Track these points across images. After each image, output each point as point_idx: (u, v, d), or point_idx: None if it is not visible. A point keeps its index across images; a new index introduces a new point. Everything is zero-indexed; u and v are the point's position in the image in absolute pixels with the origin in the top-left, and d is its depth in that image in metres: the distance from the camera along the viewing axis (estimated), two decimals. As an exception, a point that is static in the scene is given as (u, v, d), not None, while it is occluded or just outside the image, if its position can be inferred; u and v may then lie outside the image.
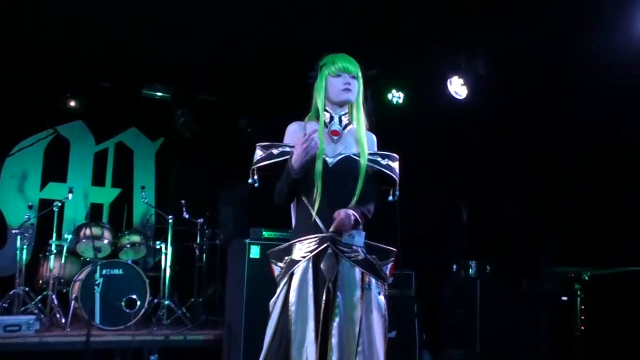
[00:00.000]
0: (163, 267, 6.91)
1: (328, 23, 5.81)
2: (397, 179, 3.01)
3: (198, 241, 7.17)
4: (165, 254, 6.92)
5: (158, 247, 7.01)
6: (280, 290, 2.82)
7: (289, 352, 2.71)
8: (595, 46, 4.76)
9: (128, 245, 6.82)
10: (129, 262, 6.59)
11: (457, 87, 5.96)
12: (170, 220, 6.98)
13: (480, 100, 5.87)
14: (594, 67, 4.81)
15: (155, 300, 6.71)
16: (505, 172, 5.89)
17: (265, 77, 7.06)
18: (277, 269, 2.91)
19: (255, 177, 2.89)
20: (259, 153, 2.91)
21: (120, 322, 6.12)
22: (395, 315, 6.17)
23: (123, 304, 6.20)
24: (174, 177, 8.61)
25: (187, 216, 7.06)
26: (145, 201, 7.42)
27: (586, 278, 4.33)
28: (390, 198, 3.04)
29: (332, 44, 6.14)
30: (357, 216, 2.82)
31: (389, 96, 6.75)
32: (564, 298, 4.93)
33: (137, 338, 5.85)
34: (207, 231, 7.13)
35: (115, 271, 6.31)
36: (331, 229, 2.80)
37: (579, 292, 4.33)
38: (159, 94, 8.02)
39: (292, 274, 2.80)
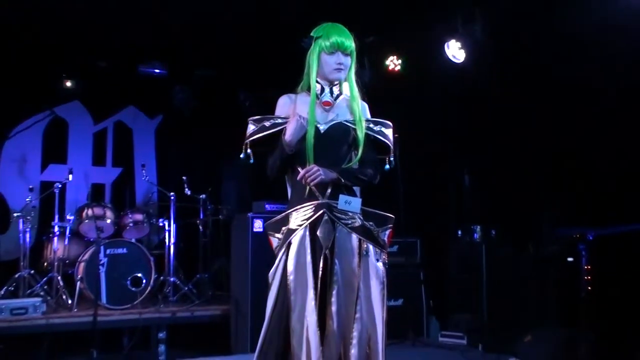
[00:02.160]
0: (167, 244, 6.91)
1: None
2: (391, 145, 3.02)
3: (201, 217, 7.16)
4: (169, 232, 6.92)
5: (161, 224, 7.00)
6: (278, 260, 2.83)
7: (290, 321, 2.73)
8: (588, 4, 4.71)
9: (131, 224, 6.81)
10: (133, 240, 6.59)
11: (455, 51, 5.88)
12: (173, 198, 6.96)
13: (478, 64, 5.79)
14: (598, 26, 4.73)
15: (161, 278, 6.74)
16: (506, 134, 5.83)
17: (262, 49, 6.97)
18: (275, 240, 2.93)
19: (249, 151, 2.90)
20: (251, 127, 2.93)
21: (127, 301, 6.14)
22: (401, 283, 6.27)
23: (129, 282, 6.21)
24: (175, 154, 8.57)
25: (189, 192, 7.04)
26: (147, 179, 7.40)
27: (590, 238, 4.31)
28: (387, 166, 3.05)
29: (329, 12, 6.08)
30: (334, 171, 2.80)
31: (387, 62, 6.68)
32: (570, 259, 4.91)
33: (145, 316, 5.89)
34: (209, 207, 7.12)
35: (120, 250, 6.32)
36: (304, 181, 2.78)
37: (583, 253, 4.30)
38: (156, 70, 7.93)
39: (289, 243, 2.81)
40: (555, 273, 5.16)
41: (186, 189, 7.03)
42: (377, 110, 7.10)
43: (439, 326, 6.23)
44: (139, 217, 6.91)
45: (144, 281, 6.28)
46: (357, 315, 2.76)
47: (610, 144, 4.89)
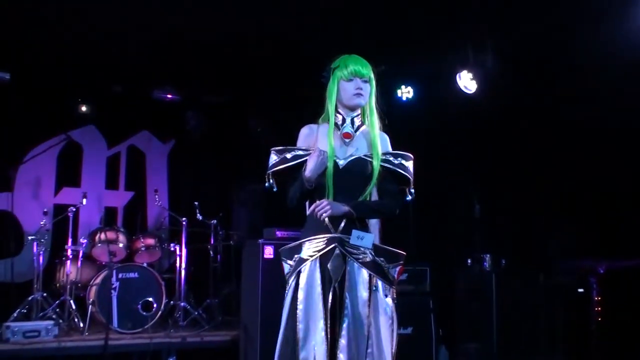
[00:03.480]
0: (178, 269, 6.95)
1: (336, 21, 5.82)
2: (411, 178, 3.06)
3: (212, 242, 7.20)
4: (180, 256, 6.96)
5: (172, 249, 7.05)
6: (288, 288, 2.89)
7: (297, 350, 2.76)
8: (602, 37, 4.74)
9: (143, 248, 6.86)
10: (145, 265, 6.64)
11: (467, 82, 5.95)
12: (184, 222, 7.02)
13: (489, 94, 5.85)
14: (603, 58, 4.78)
15: (172, 302, 6.76)
16: (516, 165, 5.87)
17: (274, 77, 7.06)
18: (286, 267, 2.98)
19: (272, 181, 2.97)
20: (273, 158, 2.99)
21: (138, 325, 6.18)
22: (410, 311, 6.26)
23: (140, 307, 6.25)
24: (187, 178, 8.64)
25: (200, 217, 7.09)
26: (159, 204, 7.47)
27: (601, 271, 4.32)
28: (408, 197, 3.09)
29: (341, 42, 6.16)
30: (348, 205, 2.84)
31: (399, 92, 6.75)
32: (580, 290, 4.92)
33: (155, 340, 5.91)
34: (220, 232, 7.16)
35: (131, 274, 6.37)
36: (315, 215, 2.82)
37: (594, 285, 4.32)
38: (169, 96, 8.04)
39: (299, 272, 2.87)
40: (565, 304, 5.16)
41: (198, 214, 7.09)
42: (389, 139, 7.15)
43: (448, 355, 6.21)
44: (150, 241, 6.96)
45: (155, 305, 6.31)
46: (369, 351, 2.78)
47: (625, 177, 4.90)
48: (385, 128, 3.11)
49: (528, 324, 5.44)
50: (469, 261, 6.10)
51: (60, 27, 6.16)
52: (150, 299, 6.31)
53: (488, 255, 5.91)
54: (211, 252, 7.16)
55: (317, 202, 2.84)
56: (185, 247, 6.99)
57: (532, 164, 5.71)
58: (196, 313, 6.65)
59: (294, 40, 6.19)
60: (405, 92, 6.69)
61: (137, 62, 7.10)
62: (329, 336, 2.76)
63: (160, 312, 6.35)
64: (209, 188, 8.32)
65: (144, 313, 6.24)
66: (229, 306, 7.04)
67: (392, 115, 6.78)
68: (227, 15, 5.77)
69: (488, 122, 6.09)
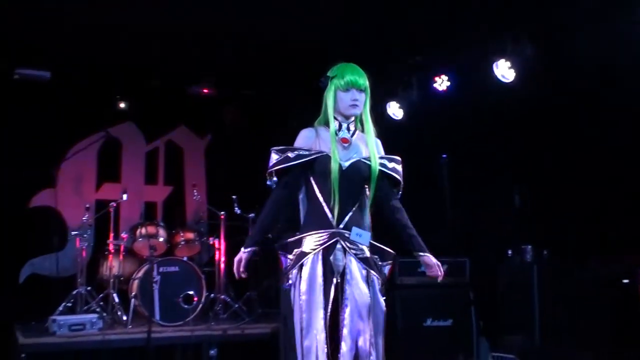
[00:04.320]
0: (217, 262, 7.02)
1: (369, 13, 5.78)
2: (401, 181, 3.25)
3: (251, 235, 7.24)
4: (219, 250, 7.03)
5: (211, 243, 7.12)
6: (293, 281, 3.02)
7: (302, 340, 2.92)
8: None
9: (183, 242, 6.95)
10: (185, 258, 6.72)
11: (504, 71, 5.85)
12: (222, 216, 7.08)
13: (528, 83, 5.75)
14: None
15: (212, 295, 6.83)
16: (557, 154, 5.78)
17: (312, 70, 7.05)
18: (285, 261, 3.12)
19: (275, 179, 3.13)
20: (274, 157, 3.14)
21: (179, 318, 6.27)
22: (450, 303, 6.24)
23: (181, 300, 6.33)
24: (224, 172, 8.70)
25: (238, 211, 7.14)
26: (197, 198, 7.55)
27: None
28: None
29: (376, 34, 6.14)
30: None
31: (435, 83, 6.68)
32: (625, 281, 4.83)
33: (196, 333, 5.99)
34: (259, 225, 7.18)
35: (172, 268, 6.46)
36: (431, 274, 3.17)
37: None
38: (206, 90, 8.10)
39: (301, 265, 3.00)
40: (610, 295, 5.07)
41: (236, 208, 7.14)
42: (425, 131, 7.12)
43: (489, 347, 6.16)
44: (190, 235, 7.05)
45: (196, 299, 6.40)
46: (372, 341, 2.94)
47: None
48: (379, 134, 3.26)
49: (572, 316, 5.35)
50: (510, 252, 6.02)
51: (97, 25, 6.24)
52: (191, 292, 6.40)
53: (529, 247, 5.84)
54: (250, 246, 7.18)
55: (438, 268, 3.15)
56: (224, 240, 7.06)
57: (574, 153, 5.60)
58: (236, 306, 6.72)
59: (330, 34, 6.17)
60: (442, 82, 6.61)
61: (173, 58, 7.16)
62: (327, 324, 2.90)
63: (201, 305, 6.43)
64: (247, 182, 8.33)
65: (185, 306, 6.33)
66: (268, 299, 7.09)
67: (429, 106, 6.77)
68: (264, 8, 5.76)
69: (526, 111, 5.98)
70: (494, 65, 5.87)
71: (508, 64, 5.80)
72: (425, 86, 6.78)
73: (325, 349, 2.88)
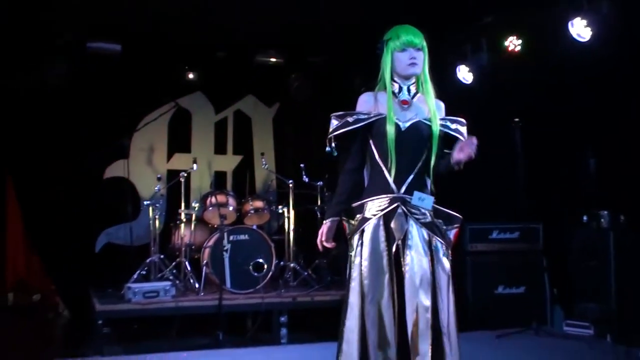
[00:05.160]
0: (287, 230, 7.07)
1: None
2: None
3: (319, 203, 7.26)
4: (288, 218, 7.08)
5: (280, 211, 7.16)
6: (355, 246, 2.98)
7: (364, 305, 2.87)
8: None
9: (252, 211, 7.01)
10: (254, 227, 6.78)
11: (580, 29, 5.59)
12: (291, 185, 7.11)
13: (605, 42, 5.49)
14: None
15: (282, 263, 6.90)
16: (635, 115, 5.52)
17: (376, 36, 6.94)
18: (348, 226, 3.10)
19: (333, 144, 3.11)
20: (334, 122, 3.10)
21: (250, 286, 6.35)
22: (523, 270, 6.12)
23: (251, 267, 6.41)
24: (292, 141, 8.74)
25: (306, 180, 7.17)
26: (266, 167, 7.60)
27: None
28: None
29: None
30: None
31: (506, 43, 6.46)
32: None
33: (267, 300, 6.05)
34: (326, 193, 7.20)
35: (242, 236, 6.53)
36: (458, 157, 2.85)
37: None
38: (272, 59, 8.10)
39: (362, 231, 2.97)
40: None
41: (304, 176, 7.17)
42: (495, 94, 6.93)
43: (563, 315, 6.03)
44: (259, 204, 7.10)
45: (266, 266, 6.47)
46: (439, 306, 2.86)
47: None
48: (437, 93, 3.13)
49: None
50: (585, 218, 5.84)
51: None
52: (261, 260, 6.47)
53: (605, 212, 5.65)
54: (318, 214, 7.22)
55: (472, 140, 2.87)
56: (293, 209, 7.10)
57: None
58: (305, 273, 6.76)
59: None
60: (514, 44, 6.39)
61: (240, 27, 7.15)
62: (394, 290, 2.87)
63: (270, 273, 6.50)
64: (314, 150, 8.33)
65: (255, 274, 6.41)
66: (337, 266, 7.10)
67: (499, 69, 6.56)
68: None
69: (603, 72, 5.73)
70: (569, 24, 5.63)
71: (584, 22, 5.55)
72: (496, 48, 6.57)
73: (392, 314, 2.85)
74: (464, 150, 2.83)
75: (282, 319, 6.03)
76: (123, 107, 7.78)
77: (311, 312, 6.30)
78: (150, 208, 6.77)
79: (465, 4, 6.15)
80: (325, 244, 3.15)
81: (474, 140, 2.86)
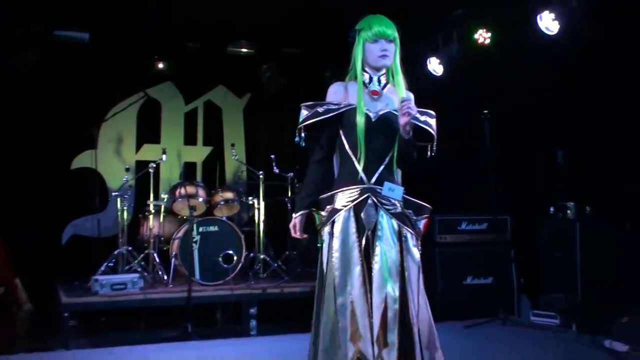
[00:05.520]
0: (257, 221, 7.04)
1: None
2: (434, 134, 3.12)
3: (289, 195, 7.25)
4: (258, 209, 7.05)
5: (251, 202, 7.13)
6: (325, 237, 2.98)
7: (335, 296, 2.87)
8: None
9: (222, 202, 6.97)
10: (224, 218, 6.75)
11: (548, 22, 5.65)
12: (261, 176, 7.08)
13: (573, 36, 5.55)
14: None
15: (251, 255, 6.88)
16: (600, 108, 5.60)
17: (347, 25, 6.93)
18: (317, 217, 3.08)
19: (302, 135, 3.09)
20: (304, 112, 3.09)
21: (219, 277, 6.32)
22: (491, 260, 6.18)
23: (221, 259, 6.38)
24: (263, 132, 8.73)
25: (277, 171, 7.16)
26: (236, 158, 7.56)
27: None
28: (429, 153, 3.16)
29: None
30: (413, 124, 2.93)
31: (476, 36, 6.50)
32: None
33: (236, 292, 6.03)
34: (297, 185, 7.20)
35: (211, 228, 6.49)
36: (401, 108, 2.89)
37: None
38: (244, 50, 8.05)
39: (333, 222, 2.96)
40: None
41: (274, 167, 7.16)
42: (464, 86, 6.97)
43: (530, 305, 6.10)
44: (229, 195, 7.06)
45: (235, 258, 6.44)
46: (399, 295, 2.86)
47: None
48: (407, 85, 3.13)
49: (614, 273, 5.25)
50: (552, 209, 5.91)
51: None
52: (231, 252, 6.43)
53: (572, 203, 5.72)
54: (289, 205, 7.21)
55: (407, 99, 2.92)
56: (263, 200, 7.07)
57: (619, 107, 5.42)
58: (275, 265, 6.75)
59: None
60: (483, 37, 6.43)
61: (211, 17, 7.09)
62: (367, 280, 2.87)
63: (240, 264, 6.47)
64: (285, 141, 8.33)
65: (225, 265, 6.38)
66: (307, 258, 7.10)
67: (470, 61, 6.59)
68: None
69: (571, 65, 5.79)
70: (538, 17, 5.68)
71: (552, 15, 5.61)
72: (466, 41, 6.61)
73: (365, 305, 2.84)
74: (402, 111, 2.87)
75: (252, 310, 6.01)
76: (91, 96, 7.68)
77: (281, 303, 6.29)
78: (119, 199, 6.70)
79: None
80: (297, 236, 3.14)
81: (407, 98, 2.94)
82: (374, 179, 2.97)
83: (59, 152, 7.60)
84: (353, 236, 2.91)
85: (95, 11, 6.84)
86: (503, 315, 5.79)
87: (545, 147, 6.15)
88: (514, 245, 6.40)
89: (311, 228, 3.15)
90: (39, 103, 7.39)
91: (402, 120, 2.88)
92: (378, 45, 3.01)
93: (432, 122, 3.13)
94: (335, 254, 2.90)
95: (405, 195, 3.02)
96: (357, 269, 2.87)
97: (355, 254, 2.89)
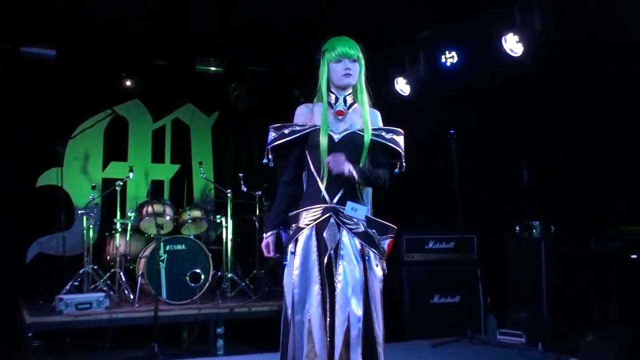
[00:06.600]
0: (224, 240, 7.01)
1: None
2: (402, 152, 3.17)
3: (257, 213, 7.24)
4: (226, 228, 7.02)
5: (218, 221, 7.11)
6: (288, 255, 3.03)
7: (294, 314, 2.92)
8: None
9: (189, 221, 6.93)
10: (191, 237, 6.71)
11: (513, 45, 5.75)
12: (229, 194, 7.06)
13: (537, 57, 5.65)
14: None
15: (219, 274, 6.85)
16: (565, 129, 5.70)
17: (315, 45, 6.98)
18: (284, 235, 3.14)
19: (270, 157, 3.14)
20: (272, 134, 3.15)
21: (186, 296, 6.27)
22: (458, 279, 6.22)
23: (188, 278, 6.33)
24: (231, 150, 8.72)
25: (245, 189, 7.14)
26: (204, 176, 7.53)
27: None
28: (397, 170, 3.20)
29: (382, 10, 6.04)
30: (354, 168, 2.96)
31: (443, 58, 6.60)
32: (634, 256, 4.79)
33: (203, 311, 5.99)
34: (265, 203, 7.18)
35: (179, 246, 6.45)
36: (328, 163, 2.94)
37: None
38: (212, 68, 8.05)
39: (296, 240, 3.01)
40: (618, 270, 5.03)
41: (242, 186, 7.14)
42: (431, 106, 7.05)
43: (496, 324, 6.16)
44: (197, 213, 7.03)
45: (203, 277, 6.40)
46: (363, 313, 2.89)
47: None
48: (375, 105, 3.21)
49: (579, 292, 5.33)
50: (518, 228, 5.99)
51: (103, 2, 6.17)
52: (198, 271, 6.39)
53: (537, 222, 5.80)
54: (257, 223, 7.19)
55: (336, 154, 2.95)
56: (231, 218, 7.05)
57: (582, 128, 5.53)
58: (243, 284, 6.72)
59: (336, 9, 6.09)
60: (450, 58, 6.53)
61: (179, 35, 7.09)
62: (326, 299, 2.89)
63: (207, 284, 6.43)
64: (253, 159, 8.33)
65: (192, 284, 6.33)
66: (275, 277, 7.07)
67: (436, 82, 6.68)
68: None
69: (535, 86, 5.91)
70: (503, 39, 5.79)
71: (516, 37, 5.71)
72: (433, 62, 6.69)
73: (322, 323, 2.87)
74: (329, 168, 2.94)
75: (219, 330, 5.98)
76: (58, 113, 7.62)
77: (248, 323, 6.26)
78: (85, 217, 6.63)
79: (403, 18, 6.26)
80: (270, 256, 3.17)
81: (331, 157, 2.94)
82: (336, 199, 3.01)
83: (24, 169, 7.49)
84: (314, 255, 2.96)
85: (62, 28, 6.80)
86: (470, 334, 5.82)
87: (511, 167, 6.24)
88: (480, 264, 6.46)
89: (280, 247, 3.18)
90: (4, 119, 7.28)
91: (337, 172, 2.93)
92: (342, 64, 3.06)
93: (400, 139, 3.17)
94: (296, 272, 2.94)
95: (369, 215, 3.06)
96: (316, 287, 2.91)
97: (315, 273, 2.93)
